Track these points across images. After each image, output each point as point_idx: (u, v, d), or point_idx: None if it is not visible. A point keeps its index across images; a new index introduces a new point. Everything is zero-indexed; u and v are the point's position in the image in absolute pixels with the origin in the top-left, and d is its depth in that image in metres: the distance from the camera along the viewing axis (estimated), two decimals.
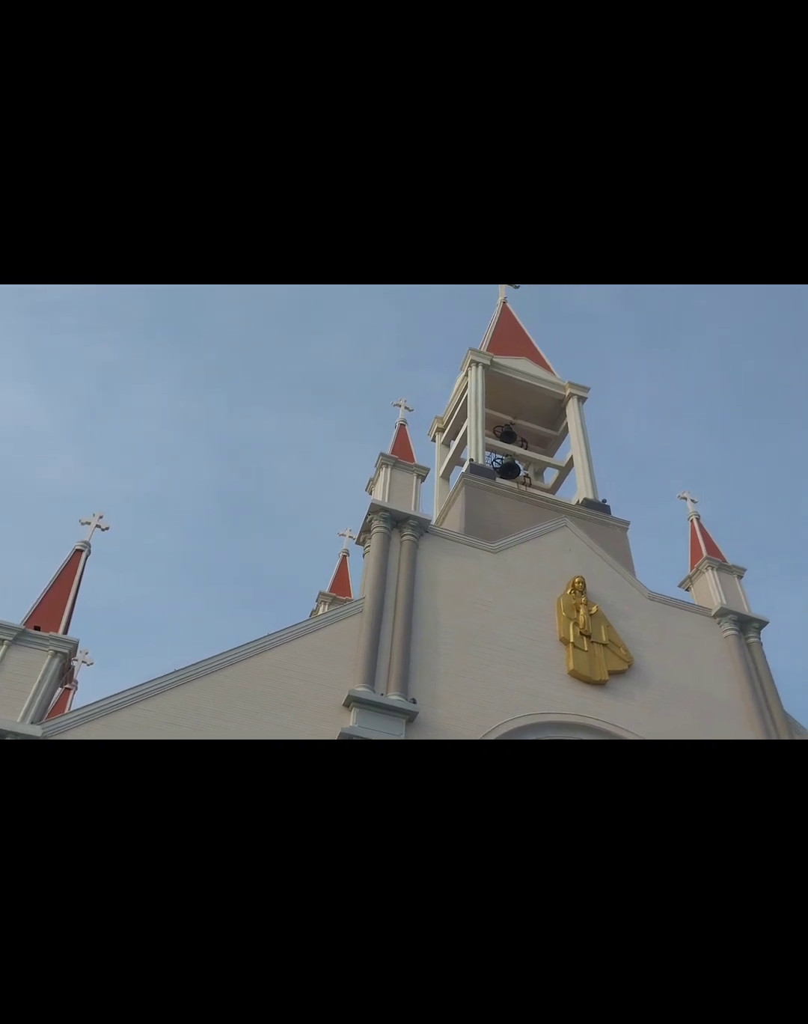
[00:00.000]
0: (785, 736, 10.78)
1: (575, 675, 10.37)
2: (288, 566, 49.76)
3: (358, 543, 11.62)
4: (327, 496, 51.36)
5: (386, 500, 11.27)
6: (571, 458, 14.77)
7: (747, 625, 12.09)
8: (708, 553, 13.19)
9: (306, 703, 8.83)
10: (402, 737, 8.75)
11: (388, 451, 12.13)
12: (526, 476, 14.77)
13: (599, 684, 10.43)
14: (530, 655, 10.46)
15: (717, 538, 13.76)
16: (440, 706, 9.38)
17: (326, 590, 19.80)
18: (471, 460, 13.49)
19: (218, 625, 45.65)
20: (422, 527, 11.23)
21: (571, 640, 10.70)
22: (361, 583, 10.88)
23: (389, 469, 11.80)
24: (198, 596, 48.76)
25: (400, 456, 12.08)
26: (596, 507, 13.51)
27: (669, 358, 51.81)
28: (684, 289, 47.80)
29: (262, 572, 49.77)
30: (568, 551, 12.08)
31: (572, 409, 15.16)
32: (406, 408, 13.29)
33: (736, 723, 10.79)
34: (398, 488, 11.59)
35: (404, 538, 11.03)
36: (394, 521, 11.14)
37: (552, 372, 15.95)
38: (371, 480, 12.07)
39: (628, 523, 13.40)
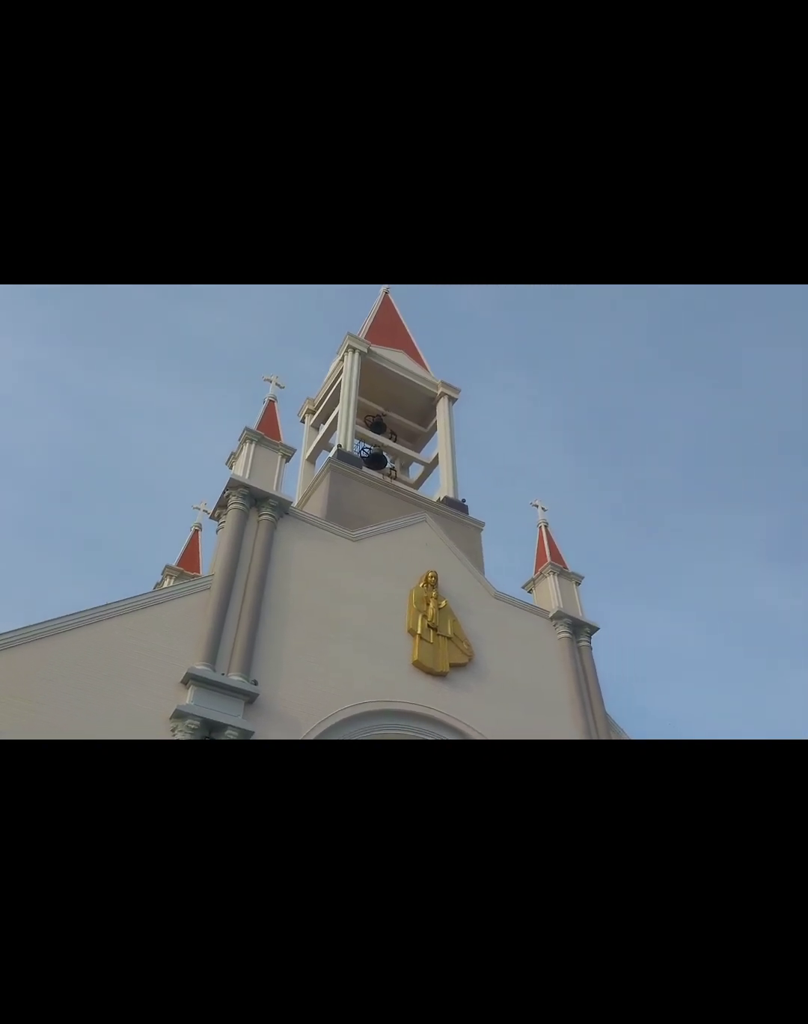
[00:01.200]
0: (604, 733, 11.52)
1: (418, 666, 10.60)
2: (136, 536, 47.63)
3: (213, 518, 11.28)
4: (185, 467, 49.62)
5: (247, 476, 11.01)
6: (437, 456, 15.06)
7: (580, 629, 12.82)
8: (552, 559, 13.85)
9: (142, 677, 8.48)
10: (240, 718, 8.60)
11: (254, 427, 11.85)
12: (392, 469, 14.91)
13: (440, 675, 10.71)
14: (377, 644, 10.57)
15: (561, 546, 14.49)
16: (282, 689, 9.30)
17: (173, 564, 19.13)
18: (339, 446, 13.44)
19: (55, 592, 43.01)
20: (282, 508, 11.06)
21: (418, 632, 10.92)
22: (212, 559, 10.58)
23: (253, 445, 11.53)
24: (34, 559, 45.70)
25: (266, 433, 11.83)
26: (455, 506, 13.85)
27: (539, 374, 53.98)
28: (564, 309, 49.95)
29: (107, 540, 47.35)
30: (425, 546, 12.31)
31: (442, 408, 15.46)
32: (277, 385, 13.03)
33: (562, 719, 11.42)
34: (261, 466, 11.35)
35: (262, 517, 10.82)
36: (253, 499, 10.91)
37: (427, 369, 16.18)
38: (233, 455, 11.74)
39: (483, 524, 13.84)
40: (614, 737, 11.75)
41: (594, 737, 11.42)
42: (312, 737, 9.02)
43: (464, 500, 14.14)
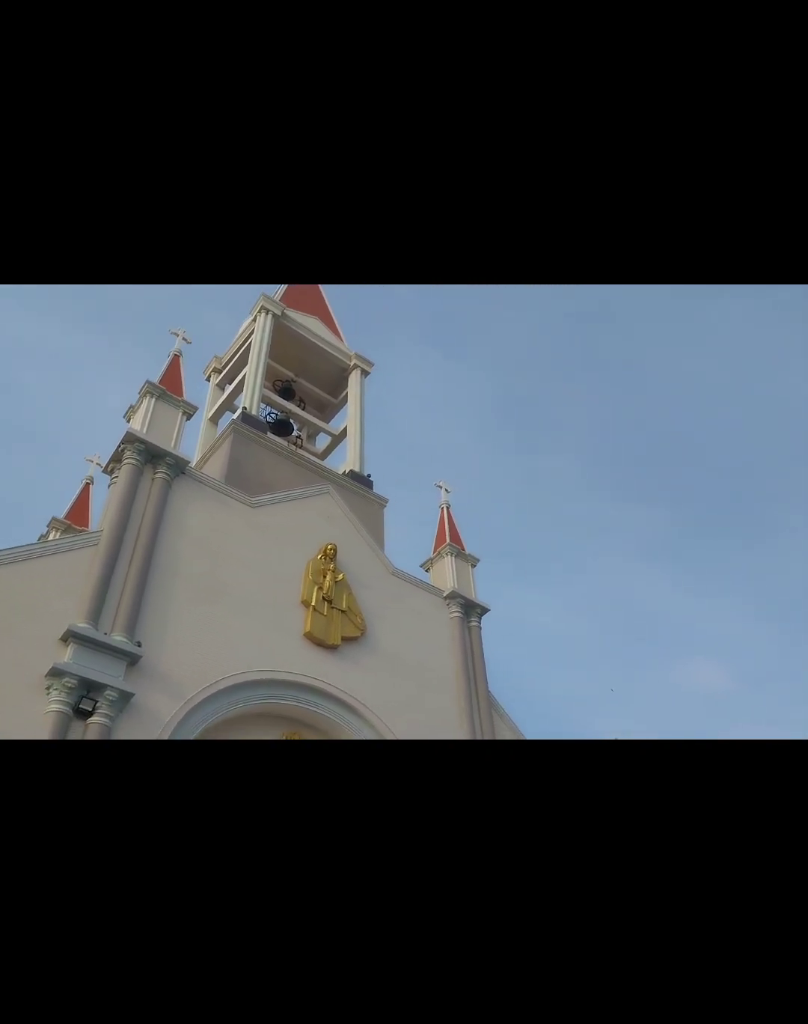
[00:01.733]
0: (486, 712, 11.77)
1: (310, 637, 10.47)
2: (21, 484, 45.00)
3: (106, 472, 10.72)
4: (79, 417, 47.19)
5: (144, 431, 10.51)
6: (345, 429, 14.87)
7: (471, 609, 13.02)
8: (451, 540, 13.99)
9: (17, 631, 7.98)
10: (121, 680, 8.24)
11: (156, 381, 11.32)
12: (298, 437, 14.62)
13: (331, 648, 10.63)
14: (269, 613, 10.37)
15: (461, 529, 14.64)
16: (167, 653, 8.98)
17: (61, 516, 18.18)
18: (244, 409, 13.04)
19: None
20: (179, 467, 10.64)
21: (312, 604, 10.78)
22: (101, 514, 10.07)
23: (153, 400, 11.01)
24: None
25: (168, 388, 11.31)
26: (360, 480, 13.73)
27: (453, 356, 54.32)
28: (484, 294, 50.31)
29: None
30: (326, 518, 12.15)
31: (355, 380, 15.25)
32: (184, 339, 12.47)
33: (448, 696, 11.58)
34: (160, 422, 10.86)
35: (157, 475, 10.37)
36: (150, 455, 10.43)
37: (341, 339, 15.91)
38: (131, 408, 11.19)
39: (386, 500, 13.79)
40: (495, 716, 12.02)
41: (476, 715, 11.65)
42: (196, 703, 8.77)
43: (369, 475, 14.04)
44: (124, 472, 10.13)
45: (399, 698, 10.93)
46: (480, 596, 13.35)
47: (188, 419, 11.28)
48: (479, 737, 11.40)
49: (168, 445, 10.60)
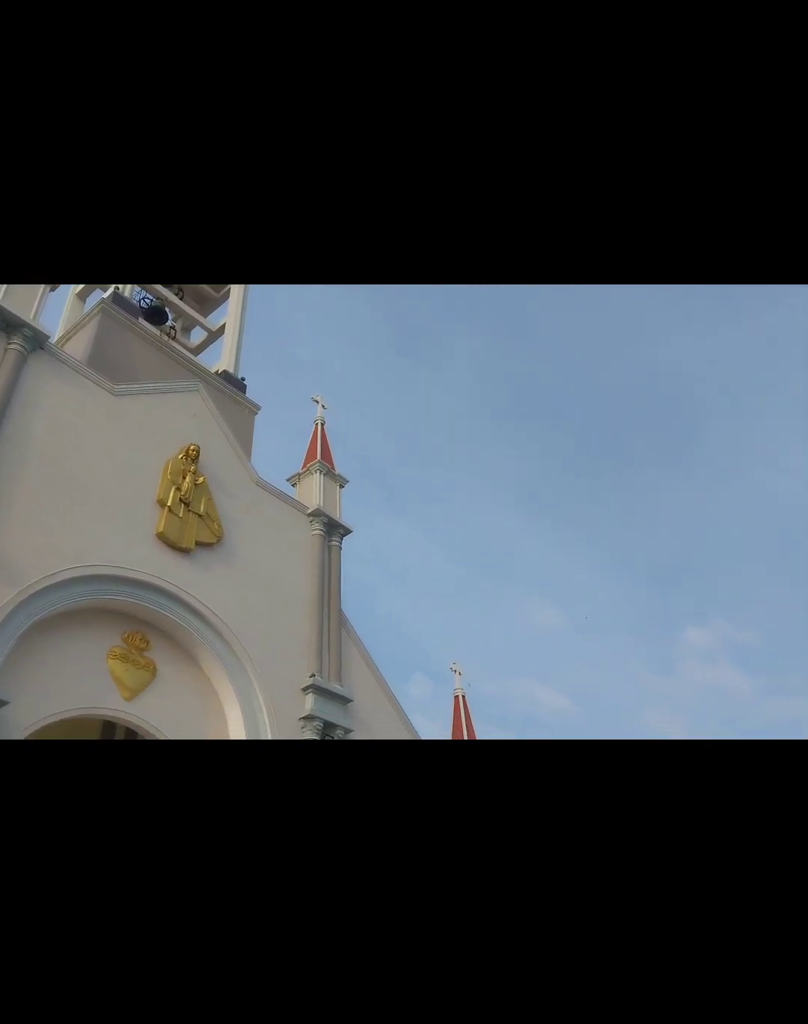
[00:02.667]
0: (336, 632, 11.91)
1: (162, 538, 10.07)
2: None
3: None
4: None
5: (1, 297, 9.50)
6: (224, 325, 14.11)
7: (334, 529, 12.98)
8: (321, 457, 13.77)
9: None
10: None
11: None
12: (172, 328, 13.72)
13: (183, 551, 10.29)
14: (122, 508, 9.85)
15: (333, 449, 14.44)
16: (8, 538, 8.35)
17: None
18: (116, 288, 12.05)
19: None
20: (37, 341, 9.72)
21: (168, 504, 10.34)
22: None
23: None
24: None
25: None
26: (233, 383, 13.14)
27: None
28: None
29: None
30: (192, 416, 11.57)
31: None
32: None
33: (298, 613, 11.58)
34: (19, 288, 9.83)
35: (11, 346, 9.44)
36: (4, 323, 9.47)
37: None
38: None
39: (259, 407, 13.32)
40: (345, 636, 12.19)
41: (326, 633, 11.76)
42: (34, 591, 8.26)
43: (244, 379, 13.47)
44: None
45: (249, 609, 10.81)
46: (345, 518, 13.32)
47: (52, 291, 10.30)
48: (326, 654, 11.54)
49: (26, 315, 9.65)
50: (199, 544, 10.55)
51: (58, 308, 13.68)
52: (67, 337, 11.84)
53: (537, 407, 51.44)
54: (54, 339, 10.54)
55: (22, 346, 9.53)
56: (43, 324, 9.85)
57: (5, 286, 9.66)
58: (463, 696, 14.80)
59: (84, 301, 13.82)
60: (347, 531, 13.17)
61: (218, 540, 10.86)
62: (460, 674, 15.09)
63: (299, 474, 13.69)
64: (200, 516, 10.75)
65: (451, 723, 14.45)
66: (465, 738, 13.89)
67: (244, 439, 12.55)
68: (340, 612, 12.26)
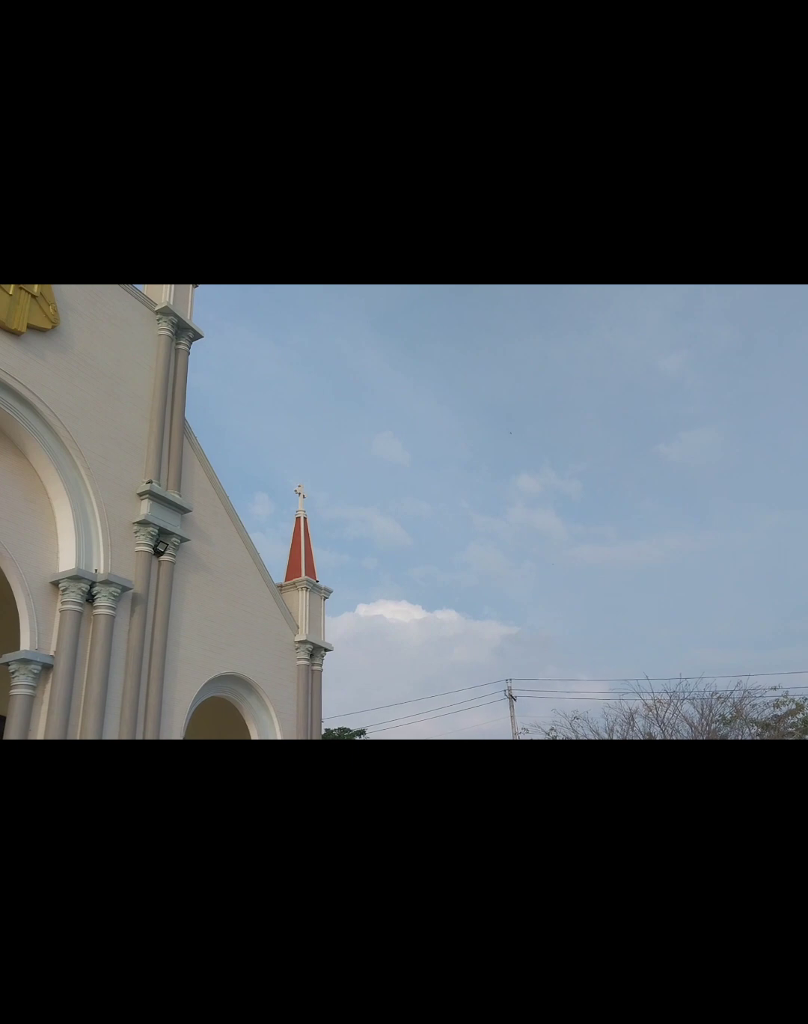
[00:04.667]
0: (178, 437, 11.49)
1: None
2: None
3: None
4: None
5: None
6: None
7: (183, 331, 12.18)
8: None
9: None
10: None
11: None
12: None
13: (13, 334, 9.32)
14: None
15: None
16: None
17: None
18: None
19: None
20: None
21: None
22: None
23: None
24: None
25: None
26: None
27: None
28: None
29: None
30: None
31: None
32: None
33: (138, 414, 11.01)
34: None
35: None
36: None
37: None
38: None
39: None
40: (187, 443, 11.81)
41: (167, 438, 11.33)
42: None
43: None
44: None
45: (85, 404, 10.13)
46: (196, 320, 12.48)
47: None
48: (165, 461, 11.18)
49: None
50: (31, 328, 9.58)
51: None
52: None
53: None
54: None
55: None
56: None
57: None
58: (304, 518, 15.04)
59: None
60: (198, 335, 12.42)
61: (53, 326, 9.89)
62: (303, 496, 15.24)
63: None
64: (33, 297, 9.68)
65: (289, 543, 14.76)
66: (302, 558, 14.27)
67: None
68: (183, 419, 11.80)
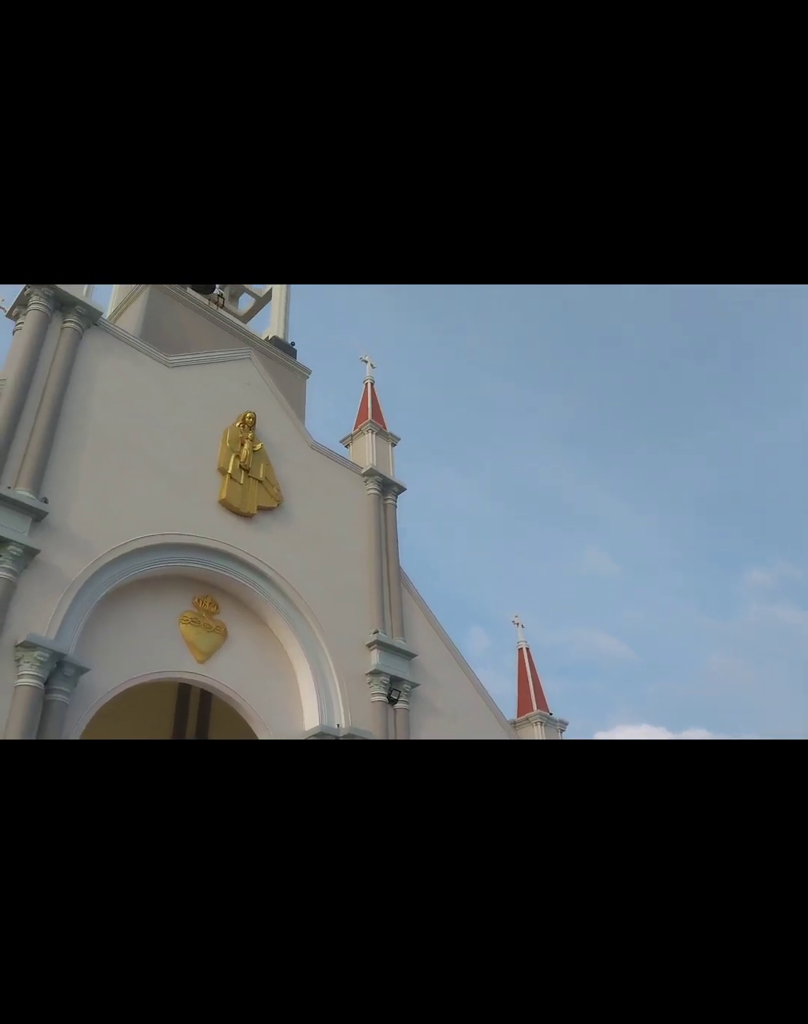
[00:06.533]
0: (396, 587, 12.11)
1: (225, 505, 10.35)
2: None
3: (10, 317, 9.93)
4: None
5: None
6: (270, 292, 14.16)
7: (388, 487, 13.10)
8: (373, 417, 13.83)
9: None
10: (25, 535, 7.97)
11: None
12: (220, 296, 13.83)
13: (246, 516, 10.56)
14: (184, 478, 10.13)
15: (383, 406, 14.46)
16: (75, 512, 8.71)
17: None
18: None
19: None
20: (91, 317, 9.95)
21: (229, 471, 10.59)
22: (5, 361, 9.40)
23: None
24: None
25: None
26: (283, 348, 13.24)
27: None
28: None
29: None
30: (246, 384, 11.74)
31: None
32: None
33: (358, 570, 11.80)
34: None
35: (66, 324, 9.70)
36: (58, 302, 9.71)
37: None
38: None
39: (309, 371, 13.41)
40: (405, 592, 12.39)
41: (385, 589, 11.97)
42: (104, 563, 8.63)
43: (293, 343, 13.55)
44: (30, 318, 9.41)
45: (312, 569, 11.07)
46: (397, 474, 13.41)
47: None
48: (387, 611, 11.76)
49: (79, 293, 9.87)
50: (260, 509, 10.79)
51: (108, 285, 13.93)
52: (119, 312, 12.07)
53: (582, 344, 50.31)
54: (106, 315, 10.77)
55: (77, 324, 9.78)
56: (95, 301, 10.06)
57: None
58: (527, 649, 14.92)
59: None
60: (401, 489, 13.28)
61: (278, 504, 11.09)
62: (522, 626, 15.19)
63: (352, 435, 13.79)
64: (259, 481, 10.98)
65: (516, 676, 14.62)
66: (532, 691, 14.05)
67: (297, 403, 12.69)
68: (399, 568, 12.44)
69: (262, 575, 10.38)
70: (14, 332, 9.58)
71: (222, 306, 13.51)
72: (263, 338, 13.21)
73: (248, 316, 14.77)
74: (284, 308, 13.79)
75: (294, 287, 14.29)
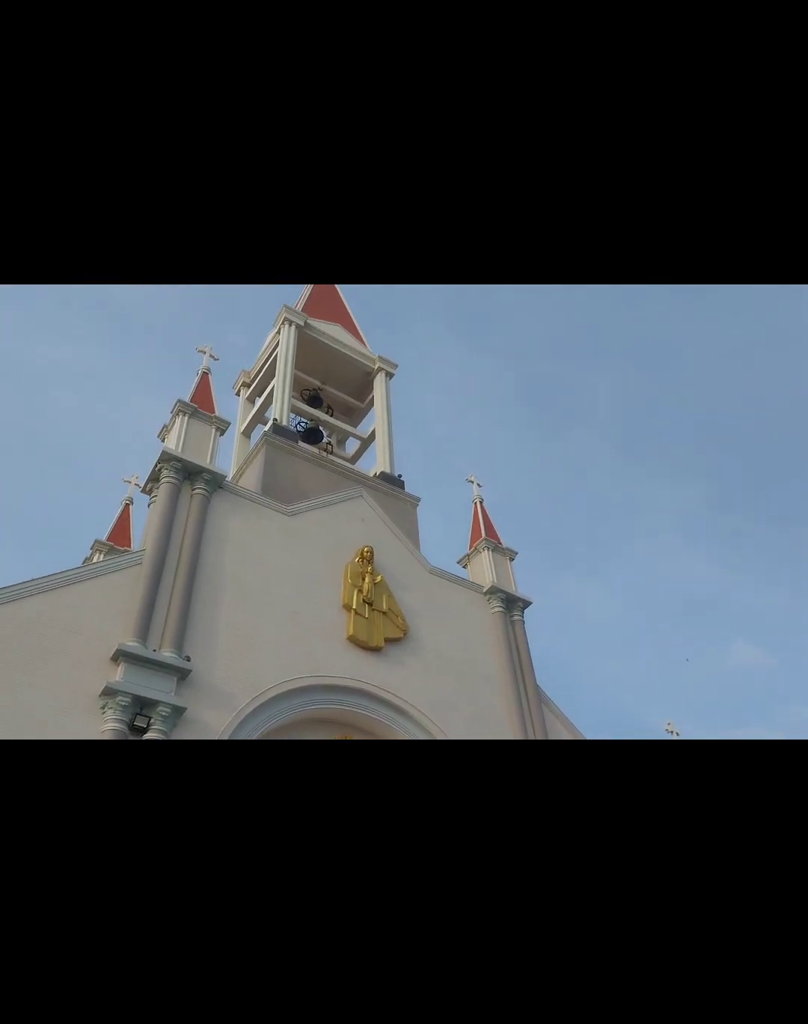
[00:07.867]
0: (536, 707, 11.79)
1: (354, 640, 10.61)
2: (63, 509, 46.16)
3: (144, 492, 11.00)
4: (115, 440, 48.18)
5: (180, 450, 10.75)
6: (373, 431, 14.99)
7: (513, 604, 13.04)
8: (486, 535, 14.01)
9: (71, 654, 8.25)
10: (172, 695, 8.47)
11: (187, 399, 11.56)
12: (328, 443, 14.78)
13: (375, 650, 10.76)
14: (312, 619, 10.53)
15: (495, 522, 14.66)
16: (216, 665, 9.19)
17: (103, 539, 18.63)
18: (275, 420, 13.24)
19: None
20: (216, 482, 10.86)
21: (354, 607, 10.92)
22: (143, 534, 10.33)
23: (186, 418, 11.26)
24: None
25: (200, 405, 11.56)
26: (391, 481, 13.84)
27: (473, 348, 54.26)
28: (498, 285, 50.05)
29: (31, 512, 45.71)
30: (360, 521, 12.28)
31: (379, 383, 15.37)
32: (211, 356, 12.72)
33: (495, 693, 11.63)
34: (194, 439, 11.10)
35: (195, 491, 10.61)
36: (186, 473, 10.67)
37: (364, 343, 16.03)
38: (165, 427, 11.45)
39: (418, 499, 13.88)
40: (546, 710, 12.03)
41: (526, 711, 11.67)
42: (247, 713, 8.96)
43: (400, 475, 14.14)
44: (162, 491, 10.37)
45: (446, 697, 11.01)
46: (520, 589, 13.36)
47: (221, 434, 11.50)
48: (530, 733, 11.43)
49: (204, 461, 10.82)
50: (388, 641, 10.98)
51: (228, 447, 15.22)
52: (240, 472, 13.08)
53: (689, 433, 49.13)
54: (230, 477, 11.71)
55: (205, 489, 10.68)
56: (218, 465, 10.99)
57: (182, 437, 10.94)
58: None
59: (249, 437, 15.27)
60: (527, 603, 13.17)
61: (405, 634, 11.25)
62: (677, 734, 14.28)
63: (468, 555, 13.97)
64: (384, 613, 11.23)
65: None
66: None
67: (410, 531, 13.08)
68: (536, 686, 12.16)
69: (398, 709, 10.41)
70: (149, 505, 10.57)
71: (331, 452, 14.39)
72: (372, 475, 13.88)
73: (355, 457, 15.62)
74: (388, 444, 14.51)
75: (395, 421, 15.06)
